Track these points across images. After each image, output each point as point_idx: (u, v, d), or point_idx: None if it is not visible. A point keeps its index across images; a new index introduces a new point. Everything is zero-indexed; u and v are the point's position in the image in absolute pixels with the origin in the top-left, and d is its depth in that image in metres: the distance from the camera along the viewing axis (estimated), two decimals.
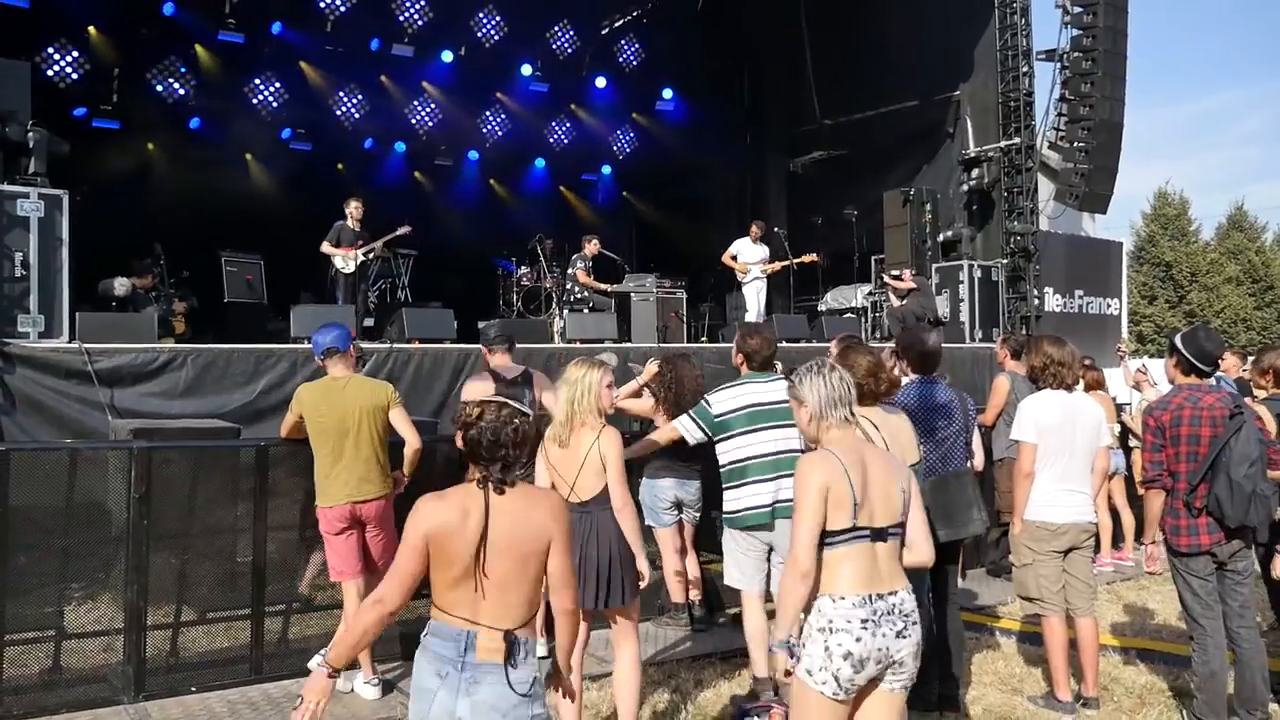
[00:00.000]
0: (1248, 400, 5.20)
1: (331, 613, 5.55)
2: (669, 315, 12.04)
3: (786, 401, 3.73)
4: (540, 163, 17.54)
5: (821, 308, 14.62)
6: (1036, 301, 13.71)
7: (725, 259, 12.80)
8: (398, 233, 10.92)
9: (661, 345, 10.53)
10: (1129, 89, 13.49)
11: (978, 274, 13.26)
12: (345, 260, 10.38)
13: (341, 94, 15.23)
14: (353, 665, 5.16)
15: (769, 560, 4.77)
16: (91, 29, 12.95)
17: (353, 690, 5.10)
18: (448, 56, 15.42)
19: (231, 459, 5.62)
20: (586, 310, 11.52)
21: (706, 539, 6.56)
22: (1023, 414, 5.02)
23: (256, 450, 5.46)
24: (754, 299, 12.67)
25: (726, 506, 4.83)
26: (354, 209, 10.56)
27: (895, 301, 12.28)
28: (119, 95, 13.39)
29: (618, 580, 4.14)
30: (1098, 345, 13.79)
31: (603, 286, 12.02)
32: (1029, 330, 12.88)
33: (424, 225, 11.66)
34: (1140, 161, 59.73)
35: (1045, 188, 14.28)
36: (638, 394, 6.00)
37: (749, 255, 12.67)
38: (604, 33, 17.17)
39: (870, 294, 14.21)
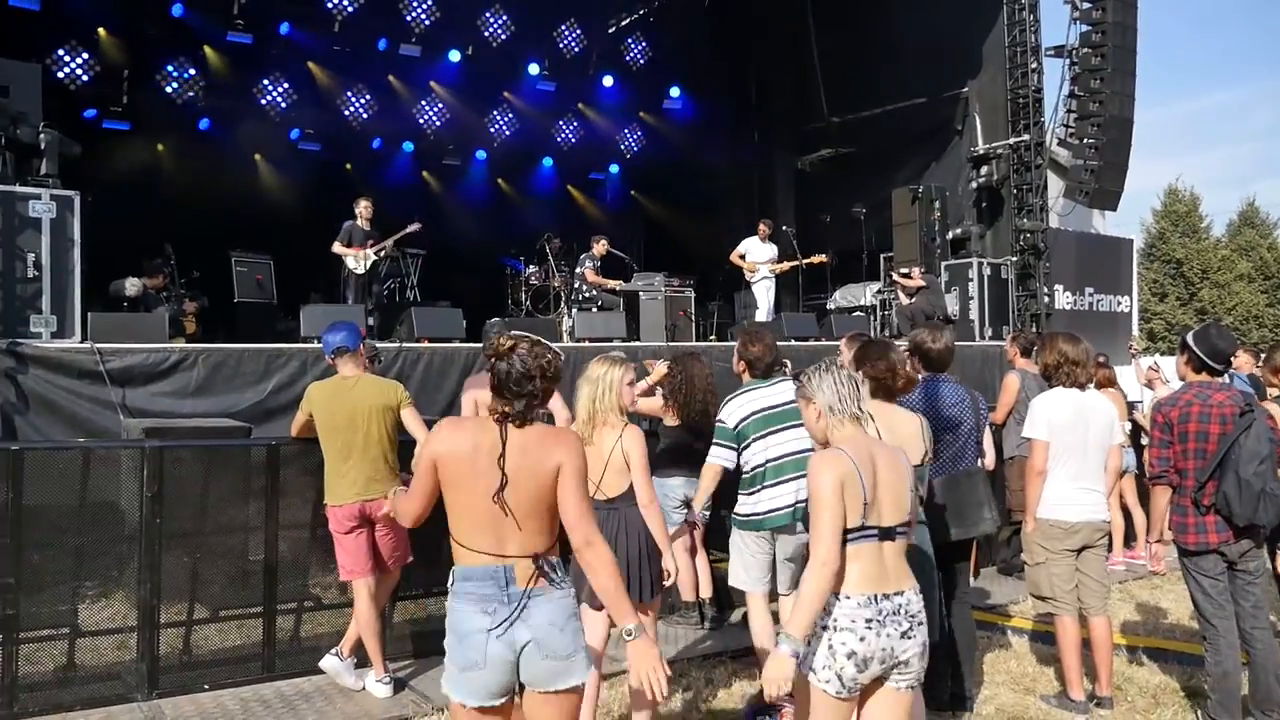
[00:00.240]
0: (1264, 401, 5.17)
1: (342, 611, 5.56)
2: (677, 314, 12.02)
3: (794, 402, 3.72)
4: (548, 162, 17.56)
5: (830, 306, 14.60)
6: (1046, 299, 13.67)
7: (733, 258, 12.79)
8: (408, 230, 10.94)
9: (670, 344, 10.52)
10: (1139, 84, 13.46)
11: (987, 271, 13.22)
12: (358, 260, 10.39)
13: (349, 94, 15.25)
14: (364, 663, 5.19)
15: (775, 562, 4.77)
16: (101, 30, 13.00)
17: (364, 688, 5.11)
18: (455, 56, 15.44)
19: (243, 458, 5.64)
20: (595, 309, 11.53)
21: (716, 538, 6.56)
22: (1035, 412, 5.00)
23: (268, 449, 5.48)
24: (763, 297, 12.66)
25: (744, 510, 4.81)
26: (364, 209, 10.58)
27: (904, 299, 12.25)
28: (129, 96, 13.44)
29: (646, 575, 4.16)
30: (1109, 343, 13.72)
31: (612, 285, 12.03)
32: (1039, 328, 12.84)
33: (432, 225, 11.67)
34: (1151, 157, 59.45)
35: (1055, 184, 14.24)
36: (648, 393, 6.00)
37: (757, 254, 12.66)
38: (611, 31, 17.16)
39: (879, 292, 14.19)
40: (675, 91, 17.33)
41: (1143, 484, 8.42)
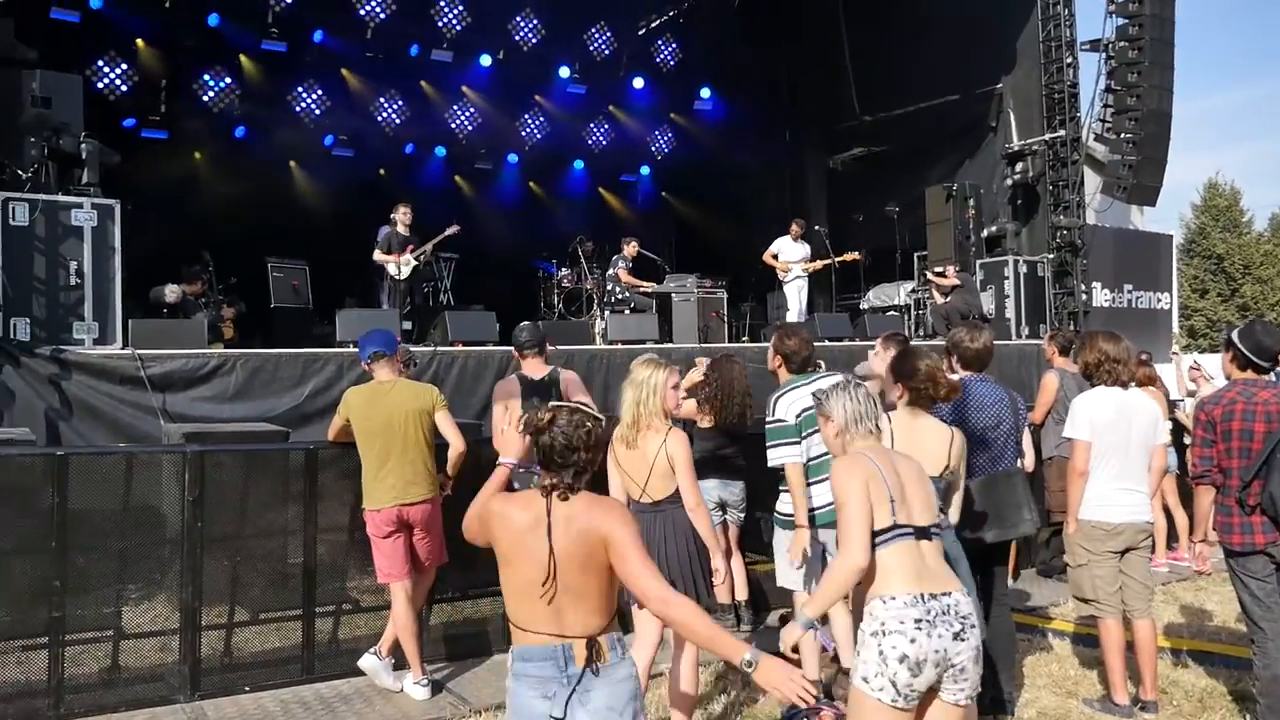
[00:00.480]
0: None
1: (380, 614, 5.60)
2: (710, 315, 11.99)
3: None
4: (579, 164, 17.59)
5: (864, 306, 14.48)
6: (1084, 297, 13.49)
7: (766, 258, 12.75)
8: (447, 233, 10.98)
9: (703, 345, 10.50)
10: (1176, 77, 13.22)
11: (1023, 269, 13.06)
12: (400, 266, 10.45)
13: (382, 100, 15.36)
14: (402, 665, 5.22)
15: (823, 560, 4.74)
16: (139, 41, 13.18)
17: (402, 690, 5.14)
18: (486, 61, 15.50)
19: (281, 462, 5.70)
20: (628, 311, 11.53)
21: (752, 540, 6.54)
22: (1076, 411, 4.93)
23: (306, 453, 5.54)
24: (795, 298, 12.60)
25: (788, 509, 4.78)
26: (403, 214, 10.64)
27: (939, 299, 12.15)
28: (166, 106, 13.61)
29: (697, 577, 4.16)
30: (1149, 340, 13.53)
31: (645, 286, 12.03)
32: (1077, 326, 12.68)
33: (465, 229, 11.69)
34: (1190, 151, 58.51)
35: (1092, 180, 14.04)
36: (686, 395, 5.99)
37: (790, 254, 12.61)
38: (641, 33, 17.15)
39: (913, 291, 14.07)
40: (706, 92, 17.28)
41: (1185, 484, 8.31)
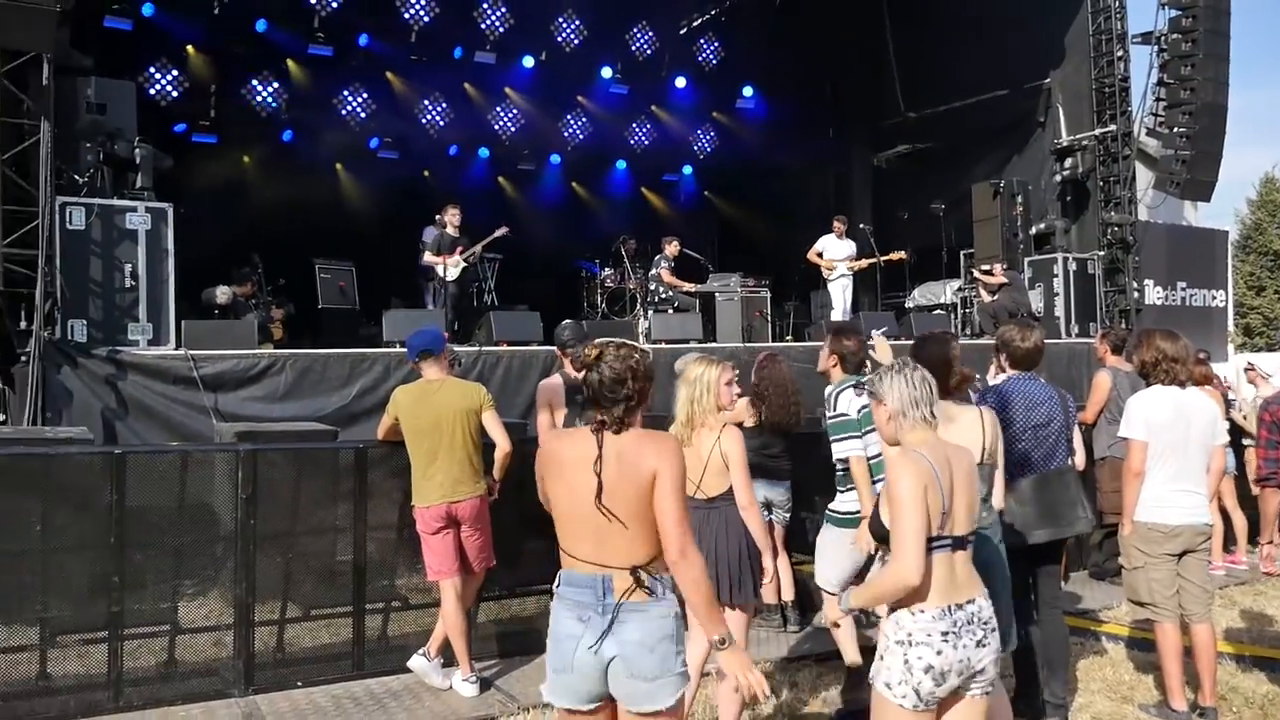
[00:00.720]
0: None
1: (428, 611, 5.64)
2: (754, 314, 11.94)
3: None
4: (621, 164, 17.61)
5: (909, 304, 14.34)
6: (1136, 294, 13.24)
7: (810, 256, 12.68)
8: (496, 234, 11.05)
9: (747, 345, 10.46)
10: (1231, 69, 12.93)
11: (1073, 267, 12.85)
12: (451, 268, 10.52)
13: (426, 102, 15.51)
14: (451, 662, 5.26)
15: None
16: (190, 48, 13.44)
17: (451, 688, 5.18)
18: (529, 62, 15.58)
19: (331, 460, 5.76)
20: (671, 311, 11.52)
21: (797, 540, 6.50)
22: (1132, 411, 4.83)
23: (356, 452, 5.59)
24: (840, 296, 12.51)
25: (844, 507, 4.76)
26: (452, 216, 10.72)
27: (986, 297, 12.00)
28: (216, 110, 13.86)
29: (748, 574, 4.15)
30: (1203, 339, 13.27)
31: (688, 286, 12.01)
32: (1129, 324, 12.45)
33: (508, 229, 11.78)
34: (1245, 145, 57.00)
35: (1144, 176, 13.79)
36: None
37: (834, 252, 12.52)
38: (683, 32, 17.14)
39: (960, 289, 13.90)
40: (748, 91, 17.21)
41: (1242, 486, 8.13)
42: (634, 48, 16.60)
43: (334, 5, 13.68)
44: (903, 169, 16.02)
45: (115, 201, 7.89)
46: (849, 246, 12.58)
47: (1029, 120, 13.95)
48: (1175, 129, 12.85)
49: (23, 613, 4.95)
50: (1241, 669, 5.54)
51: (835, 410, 4.77)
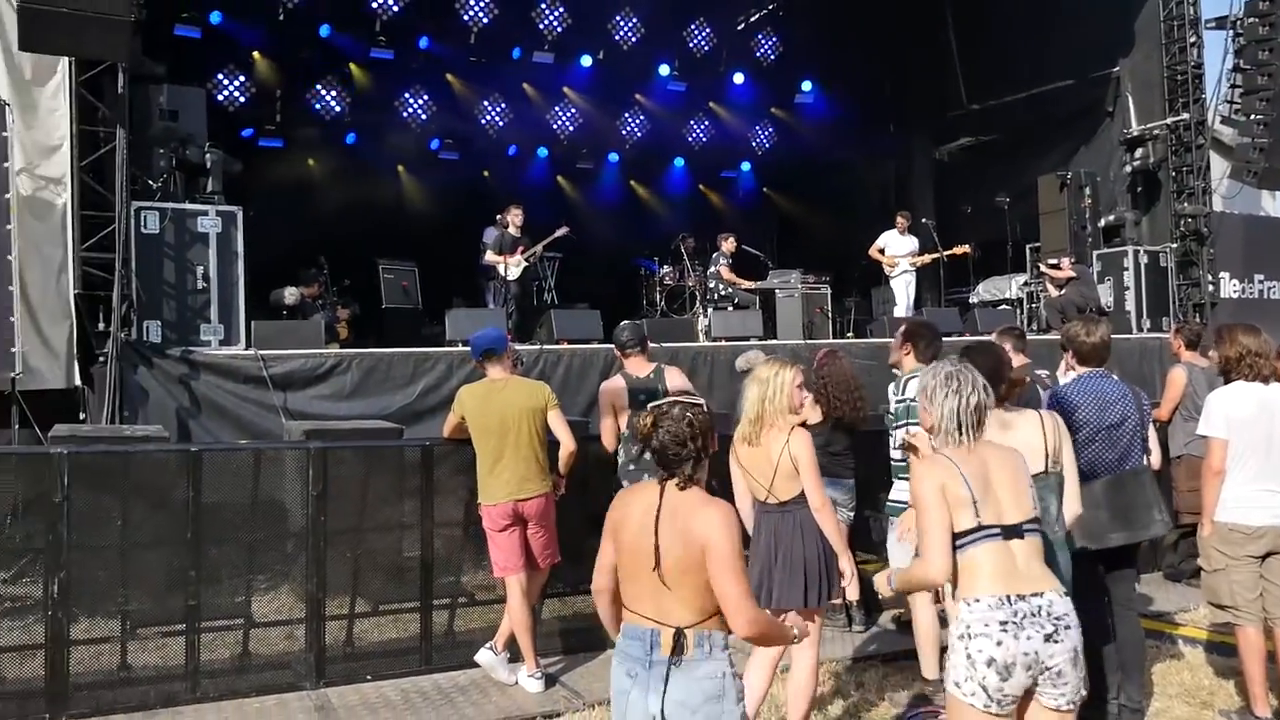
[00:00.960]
0: None
1: (493, 607, 5.70)
2: (814, 311, 11.86)
3: None
4: (680, 162, 17.59)
5: (974, 300, 14.07)
6: (1211, 288, 12.83)
7: (872, 252, 12.53)
8: (557, 234, 11.12)
9: (808, 341, 10.38)
10: None
11: (1144, 260, 12.49)
12: (512, 267, 10.61)
13: (486, 103, 15.64)
14: (517, 658, 5.30)
15: None
16: (256, 54, 13.74)
17: (517, 683, 5.23)
18: (587, 61, 15.63)
19: (398, 458, 5.85)
20: (731, 308, 11.48)
21: (861, 539, 6.42)
22: (1212, 407, 4.69)
23: (422, 450, 5.67)
24: (902, 292, 12.35)
25: (899, 496, 4.70)
26: (514, 216, 10.83)
27: (1053, 291, 11.74)
28: (281, 115, 14.14)
29: (827, 576, 4.14)
30: None
31: (747, 284, 11.95)
32: (1203, 319, 12.08)
33: (568, 228, 11.84)
34: None
35: (1218, 165, 13.35)
36: None
37: (896, 247, 12.36)
38: (740, 28, 17.04)
39: (1026, 284, 13.60)
40: (807, 86, 17.07)
41: None
42: (691, 44, 16.56)
43: (395, 9, 13.86)
44: (965, 162, 15.74)
45: (187, 206, 8.08)
46: (911, 242, 12.41)
47: (1097, 110, 13.58)
48: (1252, 116, 12.41)
49: (105, 606, 5.11)
50: None
51: (902, 395, 4.72)
